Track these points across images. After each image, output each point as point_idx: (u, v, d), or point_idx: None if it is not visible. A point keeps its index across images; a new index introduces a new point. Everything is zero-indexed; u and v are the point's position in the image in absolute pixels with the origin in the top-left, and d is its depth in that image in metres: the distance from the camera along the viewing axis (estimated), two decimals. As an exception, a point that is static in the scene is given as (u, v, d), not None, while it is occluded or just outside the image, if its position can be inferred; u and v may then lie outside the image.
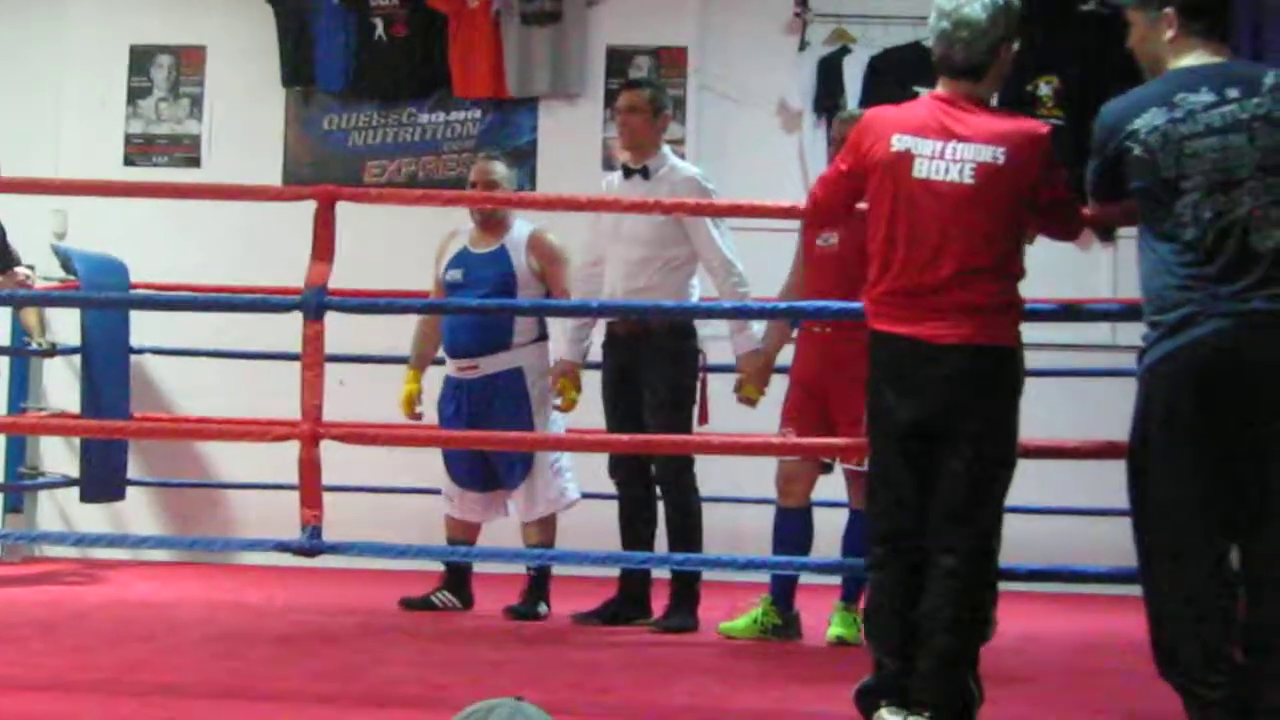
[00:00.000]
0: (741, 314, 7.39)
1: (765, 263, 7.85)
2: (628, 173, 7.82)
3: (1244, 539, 4.76)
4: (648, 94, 7.92)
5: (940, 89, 5.23)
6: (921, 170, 5.10)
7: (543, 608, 8.04)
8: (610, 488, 7.92)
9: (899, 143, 5.14)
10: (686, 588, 7.73)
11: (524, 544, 8.14)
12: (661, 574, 7.84)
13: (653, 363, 7.64)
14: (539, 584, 8.08)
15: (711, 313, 7.66)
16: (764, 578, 7.65)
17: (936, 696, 5.04)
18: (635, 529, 7.83)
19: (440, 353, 8.25)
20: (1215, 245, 4.72)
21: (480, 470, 8.12)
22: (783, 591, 7.52)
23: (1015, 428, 5.21)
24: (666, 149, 7.90)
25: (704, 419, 7.71)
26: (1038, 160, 5.15)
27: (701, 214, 7.39)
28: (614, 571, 7.93)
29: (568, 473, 8.12)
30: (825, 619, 7.44)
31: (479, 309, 7.89)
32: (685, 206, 7.14)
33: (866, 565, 5.30)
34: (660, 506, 7.87)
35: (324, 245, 6.37)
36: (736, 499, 9.16)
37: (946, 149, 5.10)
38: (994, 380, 5.13)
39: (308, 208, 6.50)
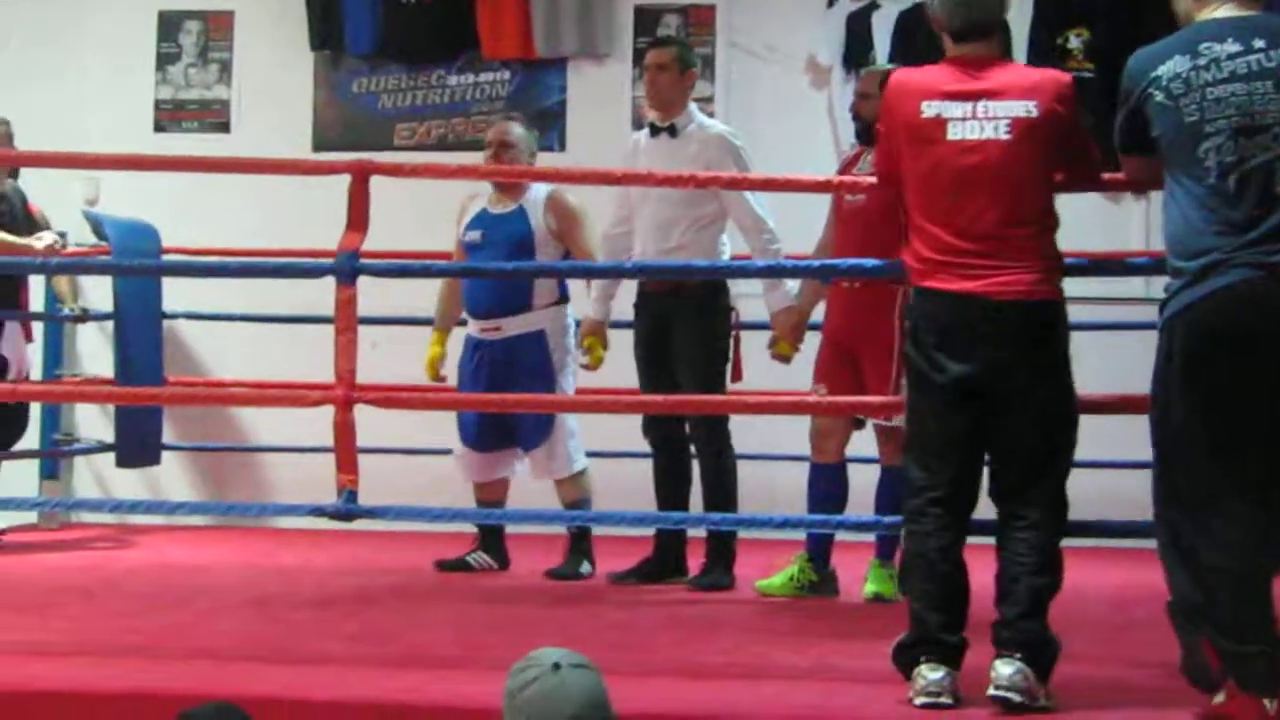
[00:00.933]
0: (772, 273, 7.39)
1: (800, 220, 7.84)
2: (654, 131, 7.81)
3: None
4: (674, 51, 7.91)
5: (957, 52, 5.25)
6: (956, 132, 5.13)
7: (586, 567, 8.05)
8: (645, 446, 7.93)
9: (929, 109, 5.17)
10: (723, 546, 7.73)
11: (560, 503, 8.15)
12: (697, 532, 7.85)
13: (685, 321, 7.63)
14: (580, 543, 8.08)
15: (744, 271, 7.64)
16: (800, 535, 7.65)
17: (1028, 639, 5.04)
18: (669, 488, 7.84)
19: (464, 314, 8.26)
20: (1238, 191, 4.73)
21: (491, 430, 8.13)
22: (818, 548, 7.53)
23: (1072, 380, 5.23)
24: (694, 107, 7.88)
25: (737, 376, 7.72)
26: (1066, 108, 5.18)
27: (736, 187, 7.38)
28: (650, 531, 7.94)
29: (579, 437, 8.14)
30: (861, 576, 7.44)
31: (510, 273, 7.89)
32: (719, 180, 7.18)
33: (905, 515, 5.30)
34: (695, 465, 7.88)
35: (358, 219, 6.36)
36: (771, 456, 9.14)
37: (978, 108, 5.13)
38: (1051, 334, 5.18)
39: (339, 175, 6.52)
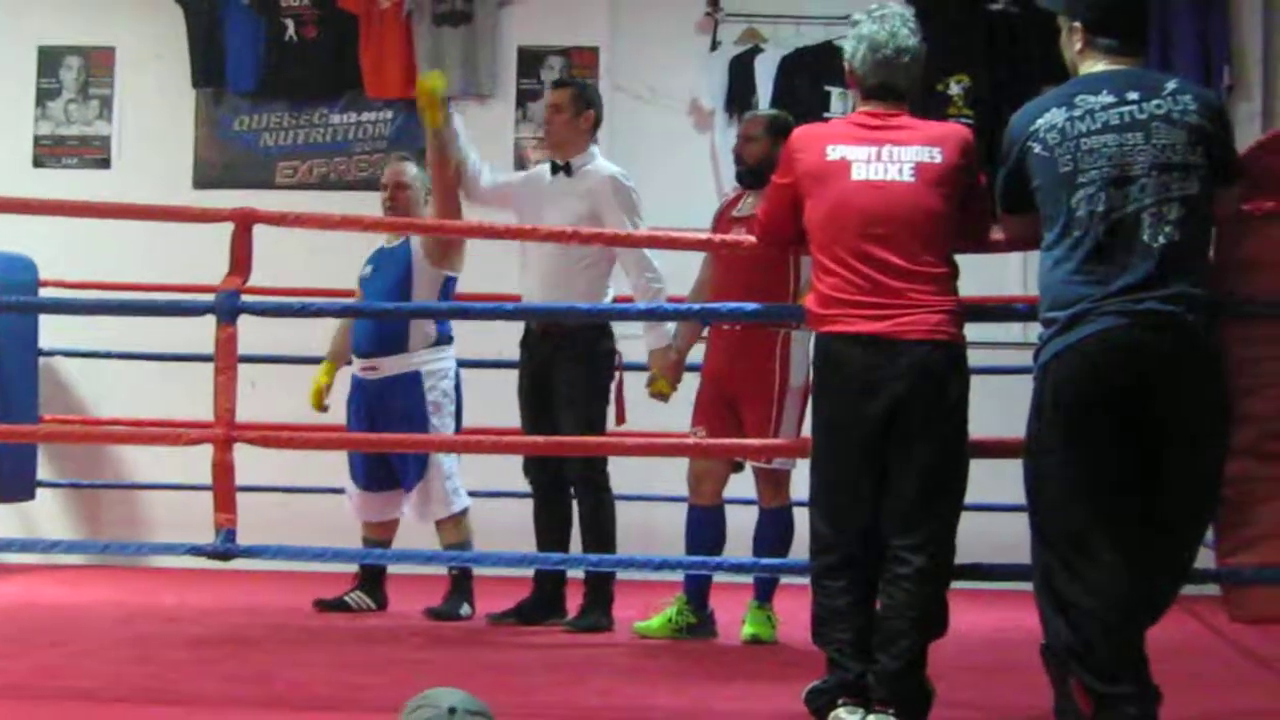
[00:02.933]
0: (656, 315, 7.40)
1: (682, 260, 7.87)
2: (554, 169, 7.83)
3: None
4: (570, 92, 7.93)
5: (867, 108, 5.31)
6: (860, 173, 5.18)
7: (465, 609, 8.05)
8: (526, 486, 7.92)
9: (834, 152, 5.23)
10: (601, 587, 7.73)
11: (441, 545, 8.14)
12: (577, 574, 7.85)
13: (566, 363, 7.65)
14: (461, 584, 8.09)
15: (625, 314, 7.66)
16: (678, 576, 7.67)
17: (902, 694, 5.09)
18: (548, 528, 7.84)
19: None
20: (1108, 240, 4.80)
21: (378, 470, 8.16)
22: (697, 590, 7.55)
23: (967, 426, 5.27)
24: (595, 148, 7.90)
25: (620, 419, 7.73)
26: (967, 161, 5.25)
27: (617, 243, 7.38)
28: (530, 571, 7.93)
29: (457, 478, 8.13)
30: (739, 618, 7.47)
31: (385, 312, 7.92)
32: (601, 237, 7.16)
33: (813, 573, 5.29)
34: (574, 506, 7.88)
35: (241, 263, 6.34)
36: (650, 497, 9.18)
37: (882, 152, 5.20)
38: (953, 375, 5.20)
39: (221, 205, 6.49)
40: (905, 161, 5.17)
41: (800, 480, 5.43)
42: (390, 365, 8.02)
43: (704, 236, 6.95)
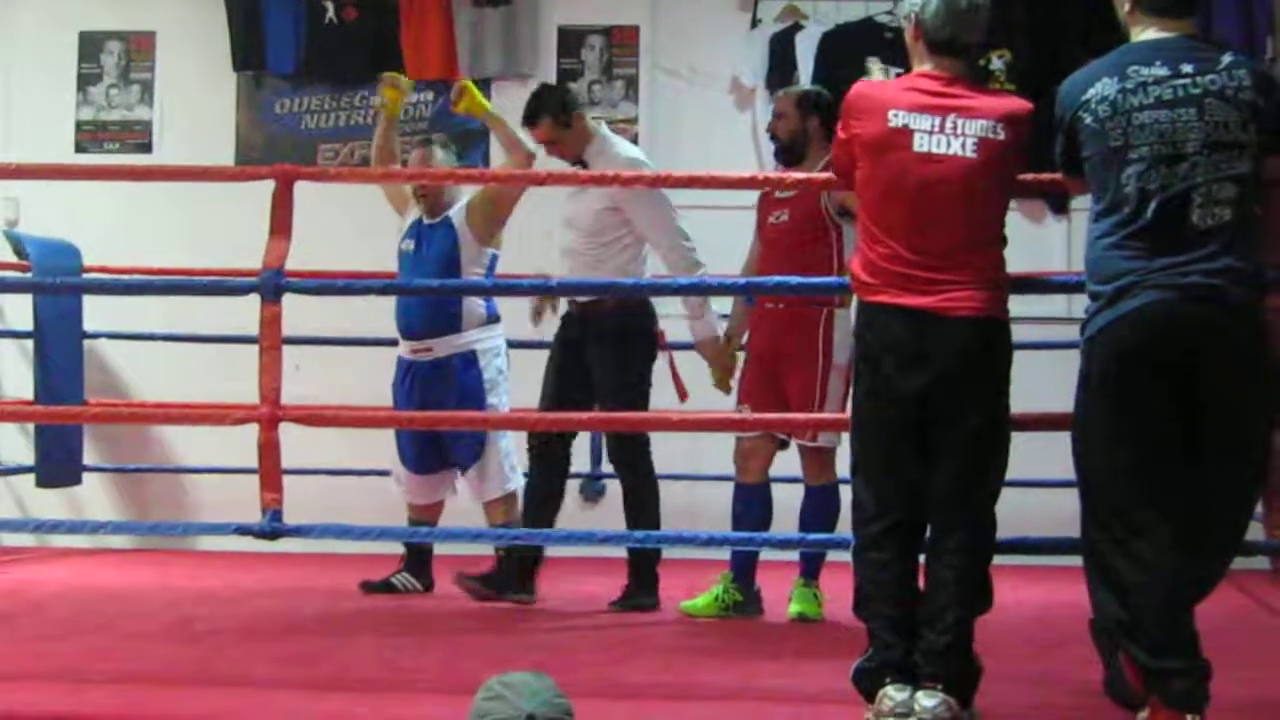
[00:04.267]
0: (699, 290, 7.36)
1: (728, 242, 7.84)
2: (572, 162, 7.80)
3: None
4: (546, 122, 7.75)
5: (929, 68, 5.23)
6: (922, 144, 5.10)
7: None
8: (577, 467, 7.92)
9: (895, 119, 5.14)
10: (644, 566, 7.72)
11: (488, 524, 8.13)
12: (611, 551, 7.85)
13: (598, 343, 7.63)
14: (508, 565, 8.02)
15: (666, 290, 7.60)
16: (724, 555, 7.66)
17: (951, 669, 5.06)
18: (532, 503, 7.80)
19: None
20: (1156, 218, 4.77)
21: (430, 453, 8.14)
22: (743, 568, 7.54)
23: (1009, 403, 5.25)
24: (604, 133, 7.87)
25: (682, 396, 7.73)
26: (1027, 136, 5.19)
27: (658, 184, 7.30)
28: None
29: (513, 456, 8.11)
30: (786, 595, 7.46)
31: (434, 290, 7.88)
32: (644, 179, 7.13)
33: (856, 545, 5.25)
34: (617, 485, 7.86)
35: (282, 224, 6.33)
36: (695, 476, 9.17)
37: (946, 123, 5.11)
38: (997, 353, 5.18)
39: (261, 192, 6.46)
40: (969, 135, 5.08)
41: (845, 458, 5.39)
42: (444, 346, 7.99)
43: (751, 175, 6.81)
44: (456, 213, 8.01)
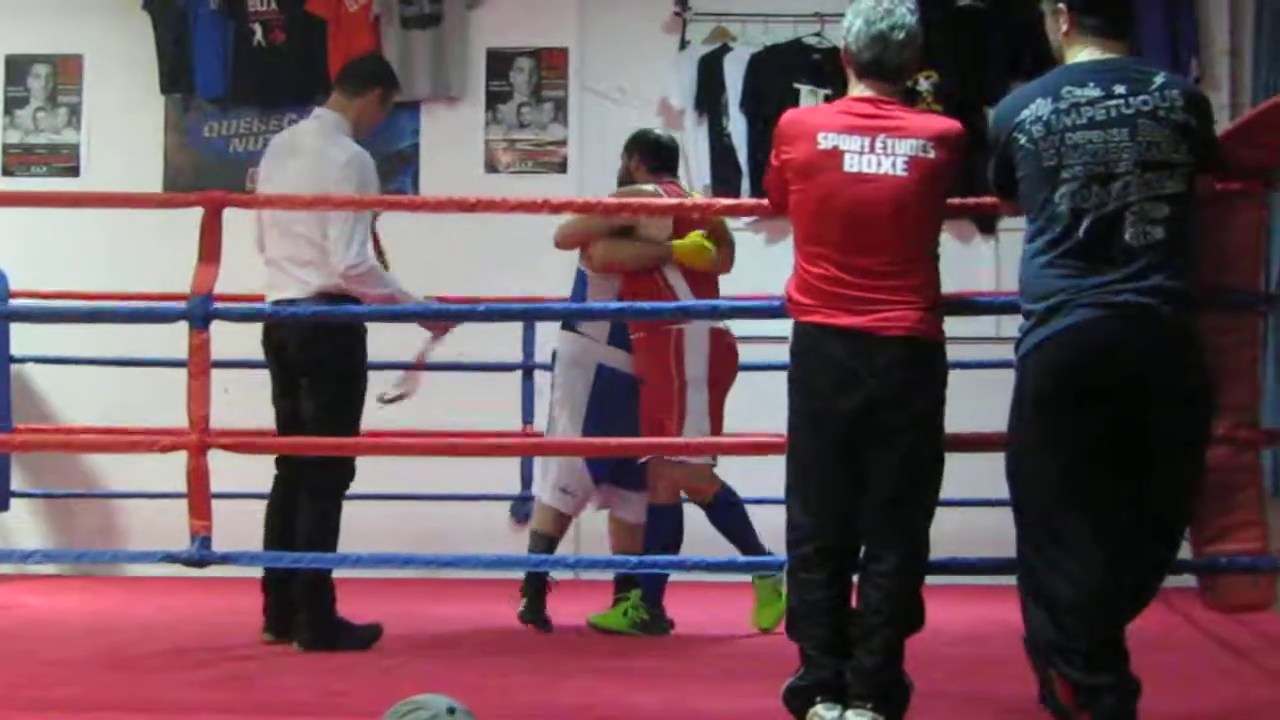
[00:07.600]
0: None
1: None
2: None
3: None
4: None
5: (861, 91, 5.26)
6: (853, 164, 5.12)
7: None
8: (489, 489, 7.90)
9: (825, 140, 5.16)
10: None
11: (612, 545, 8.00)
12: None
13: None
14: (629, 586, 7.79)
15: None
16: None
17: (881, 689, 5.08)
18: (272, 529, 7.32)
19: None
20: (1089, 237, 4.81)
21: (612, 462, 7.81)
22: (651, 588, 7.66)
23: (943, 422, 5.27)
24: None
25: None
26: (960, 155, 5.22)
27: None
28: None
29: None
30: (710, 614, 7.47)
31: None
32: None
33: (789, 565, 5.26)
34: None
35: (211, 251, 6.33)
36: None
37: (876, 143, 5.13)
38: (932, 373, 5.20)
39: (189, 217, 6.46)
40: (900, 155, 5.11)
41: (775, 473, 5.39)
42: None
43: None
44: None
